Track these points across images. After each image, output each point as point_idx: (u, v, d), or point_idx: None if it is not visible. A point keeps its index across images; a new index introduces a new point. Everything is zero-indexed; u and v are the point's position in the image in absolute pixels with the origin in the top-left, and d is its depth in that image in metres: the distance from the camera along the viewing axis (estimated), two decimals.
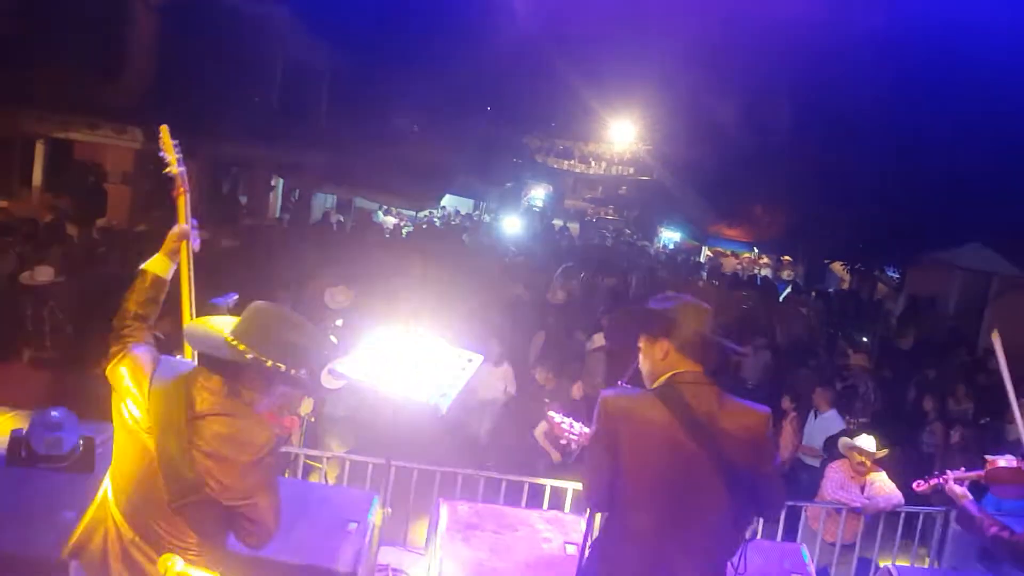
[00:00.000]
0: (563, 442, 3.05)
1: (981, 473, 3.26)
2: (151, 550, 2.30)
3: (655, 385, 2.57)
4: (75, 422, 3.89)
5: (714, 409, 2.48)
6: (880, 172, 17.49)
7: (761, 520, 3.72)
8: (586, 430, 2.99)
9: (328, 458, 5.36)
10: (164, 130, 3.09)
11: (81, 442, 3.84)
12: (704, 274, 20.02)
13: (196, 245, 2.95)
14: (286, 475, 5.05)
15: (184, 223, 2.92)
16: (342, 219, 19.08)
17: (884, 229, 17.36)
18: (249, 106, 16.39)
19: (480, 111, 25.31)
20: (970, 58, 14.99)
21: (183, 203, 3.00)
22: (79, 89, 13.01)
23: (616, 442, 2.49)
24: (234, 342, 2.32)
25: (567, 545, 4.14)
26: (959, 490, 3.21)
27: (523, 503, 5.06)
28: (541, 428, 6.10)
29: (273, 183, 19.29)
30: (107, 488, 2.41)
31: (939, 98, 15.78)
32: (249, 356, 2.29)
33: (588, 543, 2.77)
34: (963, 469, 3.35)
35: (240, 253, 10.88)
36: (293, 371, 2.34)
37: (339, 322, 6.74)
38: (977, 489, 3.51)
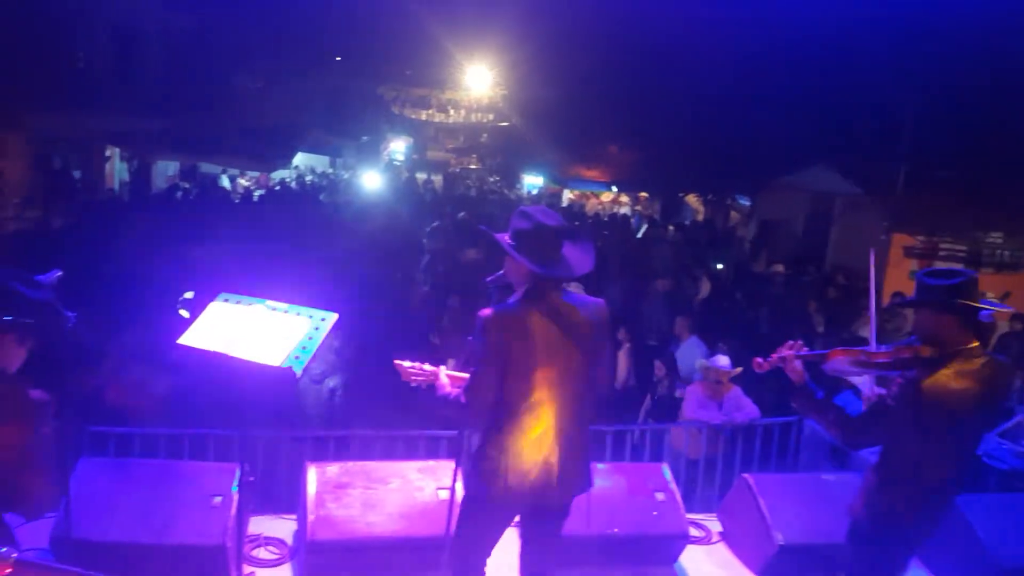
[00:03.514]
0: (413, 385, 3.20)
1: (823, 353, 3.13)
2: None
3: (524, 292, 2.98)
4: None
5: (570, 305, 2.97)
6: (726, 102, 17.97)
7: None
8: (431, 367, 3.23)
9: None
10: None
11: None
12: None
13: None
14: None
15: None
16: (187, 187, 18.04)
17: (733, 158, 17.81)
18: (74, 72, 14.99)
19: (328, 61, 24.16)
20: None
21: None
22: None
23: (503, 348, 2.86)
24: None
25: (439, 491, 4.15)
26: (799, 368, 3.14)
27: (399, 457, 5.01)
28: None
29: (108, 154, 17.87)
30: None
31: (778, 26, 16.24)
32: None
33: (459, 472, 3.20)
34: (805, 349, 3.20)
35: (75, 232, 10.33)
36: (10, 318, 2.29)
37: (189, 294, 6.32)
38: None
